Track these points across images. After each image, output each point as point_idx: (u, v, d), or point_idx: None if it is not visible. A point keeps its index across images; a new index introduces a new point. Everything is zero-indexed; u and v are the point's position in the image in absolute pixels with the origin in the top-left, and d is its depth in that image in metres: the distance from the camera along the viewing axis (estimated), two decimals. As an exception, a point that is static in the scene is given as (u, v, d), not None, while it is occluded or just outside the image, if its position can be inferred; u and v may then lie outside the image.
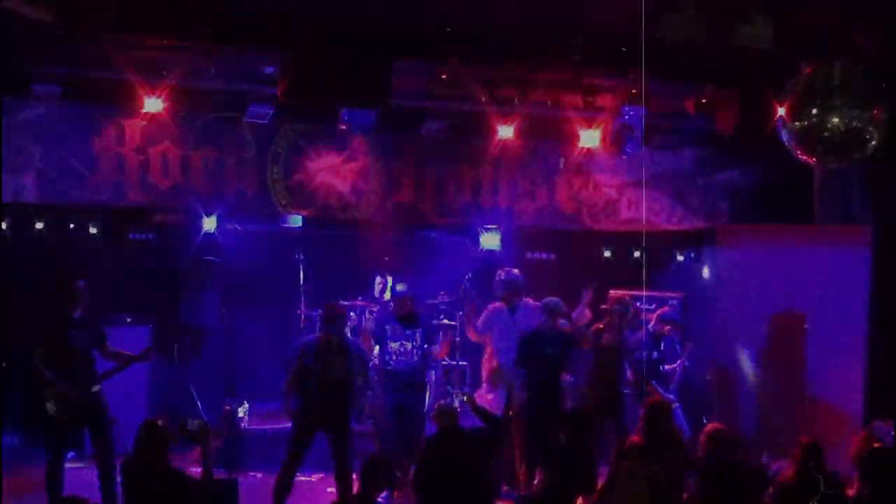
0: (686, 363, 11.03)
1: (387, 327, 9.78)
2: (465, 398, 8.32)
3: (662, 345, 10.77)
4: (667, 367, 10.71)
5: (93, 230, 11.19)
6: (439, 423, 8.04)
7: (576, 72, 10.23)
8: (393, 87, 9.46)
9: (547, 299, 10.03)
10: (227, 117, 10.97)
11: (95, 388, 8.71)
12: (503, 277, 10.40)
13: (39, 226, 10.91)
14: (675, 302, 12.05)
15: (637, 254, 13.05)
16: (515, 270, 10.53)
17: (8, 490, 8.86)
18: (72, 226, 11.10)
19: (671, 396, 10.19)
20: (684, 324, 11.05)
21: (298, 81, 9.20)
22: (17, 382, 10.58)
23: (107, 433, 8.69)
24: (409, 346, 9.74)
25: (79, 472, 9.20)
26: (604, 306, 10.38)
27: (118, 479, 8.31)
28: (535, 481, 8.47)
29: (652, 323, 10.64)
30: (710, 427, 7.89)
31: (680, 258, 13.22)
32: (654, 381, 10.25)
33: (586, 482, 7.68)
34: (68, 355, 8.60)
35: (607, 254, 13.08)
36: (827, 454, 7.76)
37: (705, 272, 12.93)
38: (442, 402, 8.76)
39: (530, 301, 10.35)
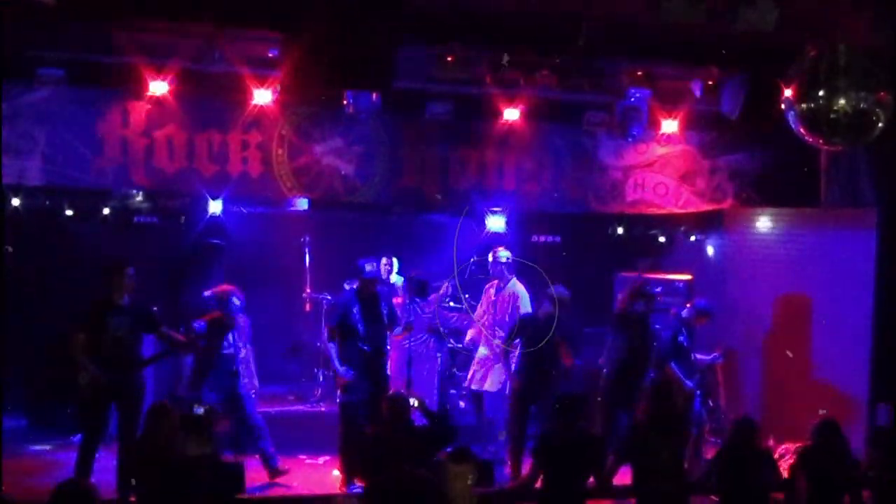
0: (718, 360, 10.89)
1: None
2: (415, 403, 8.39)
3: (693, 333, 10.60)
4: (698, 356, 10.58)
5: (97, 214, 11.20)
6: (388, 412, 8.10)
7: (581, 55, 10.18)
8: (398, 69, 9.43)
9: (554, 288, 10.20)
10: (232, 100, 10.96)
11: (134, 373, 8.78)
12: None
13: (44, 209, 10.92)
14: (681, 284, 12.02)
15: (643, 236, 13.07)
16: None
17: (12, 471, 8.92)
18: (76, 210, 11.11)
19: (690, 384, 10.08)
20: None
21: (303, 64, 9.17)
22: (21, 365, 10.69)
23: (134, 418, 8.73)
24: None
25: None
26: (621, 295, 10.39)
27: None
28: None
29: (686, 311, 10.55)
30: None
31: (686, 241, 13.20)
32: (673, 363, 10.14)
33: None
34: (107, 340, 8.64)
35: (613, 236, 13.08)
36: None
37: (711, 255, 12.92)
38: (393, 392, 8.77)
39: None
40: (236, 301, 9.79)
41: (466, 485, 6.02)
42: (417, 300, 10.93)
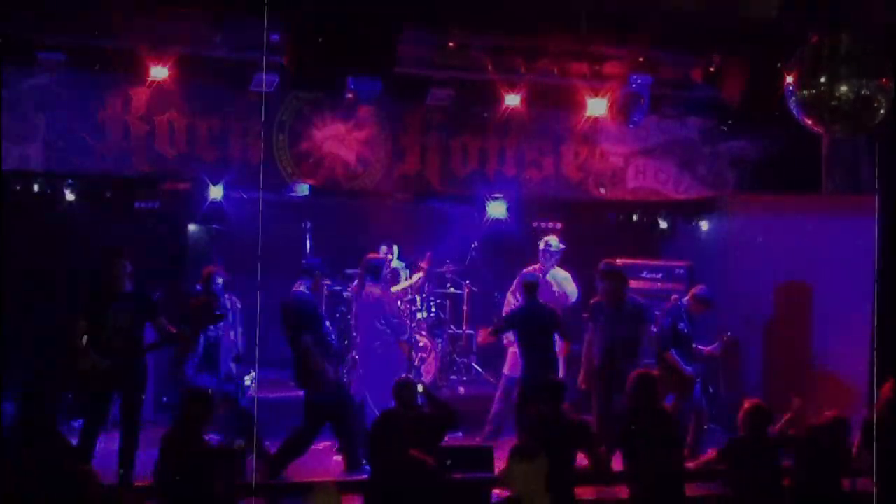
0: (718, 352, 10.79)
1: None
2: (420, 388, 8.39)
3: (693, 321, 10.48)
4: (699, 347, 10.48)
5: (99, 199, 11.19)
6: (397, 398, 8.11)
7: (582, 40, 10.16)
8: (399, 55, 9.41)
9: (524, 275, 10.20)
10: (233, 86, 10.95)
11: (136, 360, 8.78)
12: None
13: (45, 195, 10.91)
14: (681, 270, 12.01)
15: (643, 222, 13.06)
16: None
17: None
18: (77, 195, 11.10)
19: (690, 370, 10.03)
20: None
21: (304, 50, 9.15)
22: (21, 351, 10.67)
23: (137, 405, 8.76)
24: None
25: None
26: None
27: (138, 449, 8.45)
28: None
29: (687, 298, 10.47)
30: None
31: (687, 227, 13.18)
32: (673, 351, 10.07)
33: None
34: (107, 328, 8.65)
35: (614, 222, 13.06)
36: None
37: (712, 242, 12.90)
38: (403, 376, 8.76)
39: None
40: (219, 281, 9.62)
41: (538, 482, 5.71)
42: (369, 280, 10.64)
